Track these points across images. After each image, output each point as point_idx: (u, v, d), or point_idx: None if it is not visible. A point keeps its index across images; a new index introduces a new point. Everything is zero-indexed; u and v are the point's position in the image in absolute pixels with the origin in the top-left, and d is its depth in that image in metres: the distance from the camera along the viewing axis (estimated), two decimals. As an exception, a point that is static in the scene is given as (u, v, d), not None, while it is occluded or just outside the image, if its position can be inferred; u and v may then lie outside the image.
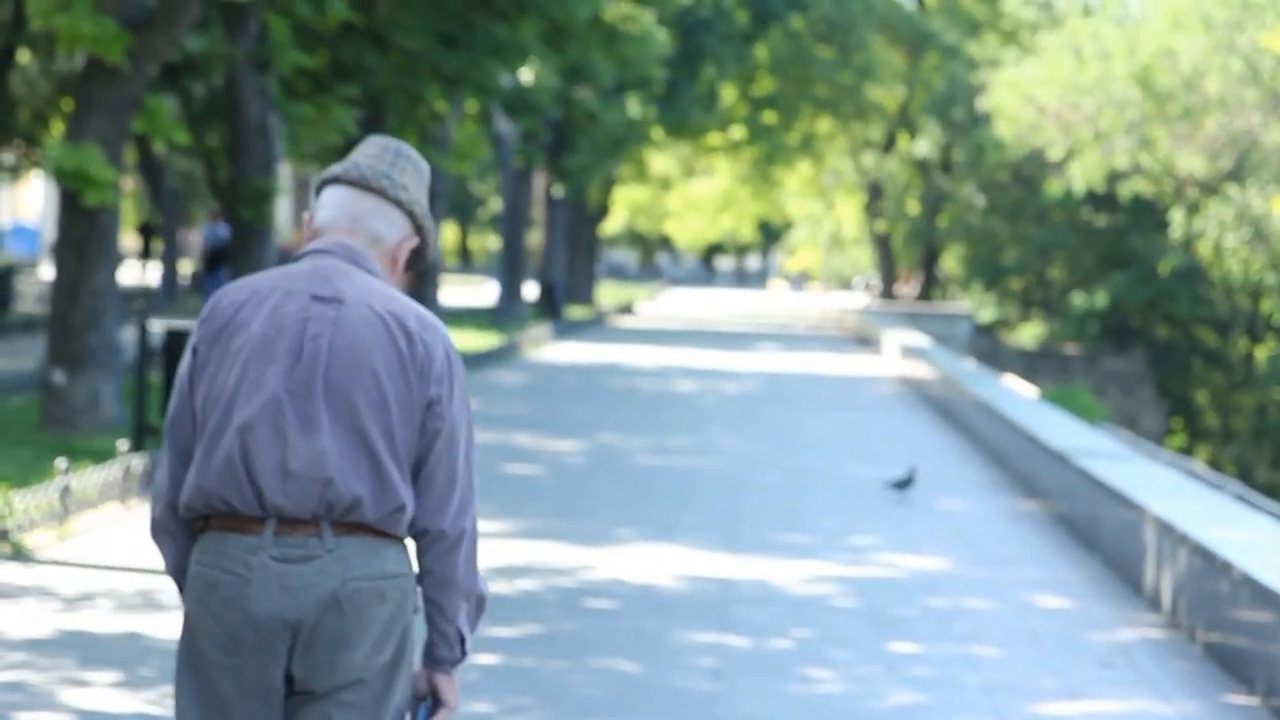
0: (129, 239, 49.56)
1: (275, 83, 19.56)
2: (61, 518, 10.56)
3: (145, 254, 47.94)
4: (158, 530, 3.54)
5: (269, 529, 3.39)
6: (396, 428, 3.42)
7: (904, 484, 13.51)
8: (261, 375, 3.41)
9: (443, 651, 3.53)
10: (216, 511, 3.42)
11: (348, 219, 3.54)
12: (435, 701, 3.55)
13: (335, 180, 3.57)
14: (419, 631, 3.56)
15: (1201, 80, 41.13)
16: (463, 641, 3.53)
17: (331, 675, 3.39)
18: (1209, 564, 8.45)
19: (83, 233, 14.74)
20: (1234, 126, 41.40)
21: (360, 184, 3.55)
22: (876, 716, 7.14)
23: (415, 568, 3.53)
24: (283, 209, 52.54)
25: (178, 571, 3.56)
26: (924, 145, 56.22)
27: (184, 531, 3.52)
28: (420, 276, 30.43)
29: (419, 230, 3.60)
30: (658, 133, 49.56)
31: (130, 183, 48.52)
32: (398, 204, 3.56)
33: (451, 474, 3.47)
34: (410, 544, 3.53)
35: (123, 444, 12.07)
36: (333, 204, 3.56)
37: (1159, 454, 20.85)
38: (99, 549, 10.07)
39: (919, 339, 31.91)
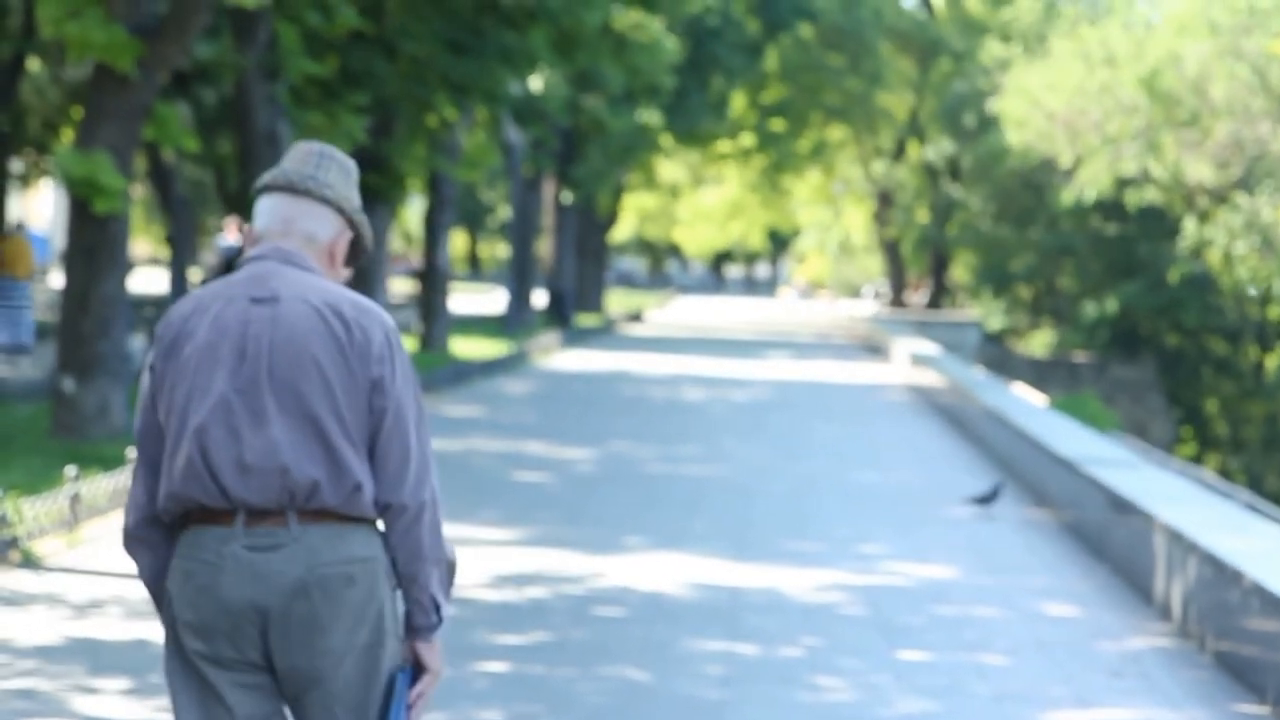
0: (159, 248, 49.67)
1: (285, 90, 19.58)
2: (71, 525, 10.57)
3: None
4: (130, 540, 3.72)
5: (239, 521, 3.57)
6: (345, 410, 3.59)
7: (988, 499, 13.18)
8: (210, 379, 3.60)
9: (420, 619, 3.68)
10: (190, 510, 3.61)
11: (280, 223, 3.74)
12: (417, 668, 3.69)
13: (266, 189, 3.77)
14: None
15: (1208, 86, 41.10)
16: (438, 608, 3.69)
17: (311, 659, 3.56)
18: (1219, 573, 8.44)
19: (92, 240, 14.76)
20: (1243, 134, 41.36)
21: (288, 188, 3.74)
22: (886, 725, 7.13)
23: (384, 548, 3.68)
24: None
25: (153, 580, 3.74)
26: (932, 151, 56.21)
27: (160, 539, 3.71)
28: (429, 284, 30.44)
29: (351, 224, 3.78)
30: (667, 140, 49.61)
31: (140, 190, 48.58)
32: (326, 202, 3.74)
33: (404, 448, 3.62)
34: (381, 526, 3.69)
35: (132, 451, 12.07)
36: (266, 211, 3.76)
37: (1169, 462, 20.82)
38: (108, 556, 10.08)
39: (928, 347, 31.89)
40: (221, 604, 3.55)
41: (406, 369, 3.67)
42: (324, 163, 3.77)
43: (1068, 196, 45.51)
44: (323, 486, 3.56)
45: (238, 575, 3.55)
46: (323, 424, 3.58)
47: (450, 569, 3.72)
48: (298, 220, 3.74)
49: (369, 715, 3.61)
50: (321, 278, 3.71)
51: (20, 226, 17.81)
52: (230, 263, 25.66)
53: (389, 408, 3.62)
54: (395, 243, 70.33)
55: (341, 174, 3.78)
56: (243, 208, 19.84)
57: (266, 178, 3.76)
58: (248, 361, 3.60)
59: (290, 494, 3.56)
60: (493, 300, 52.97)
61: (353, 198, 3.79)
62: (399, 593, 3.70)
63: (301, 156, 3.77)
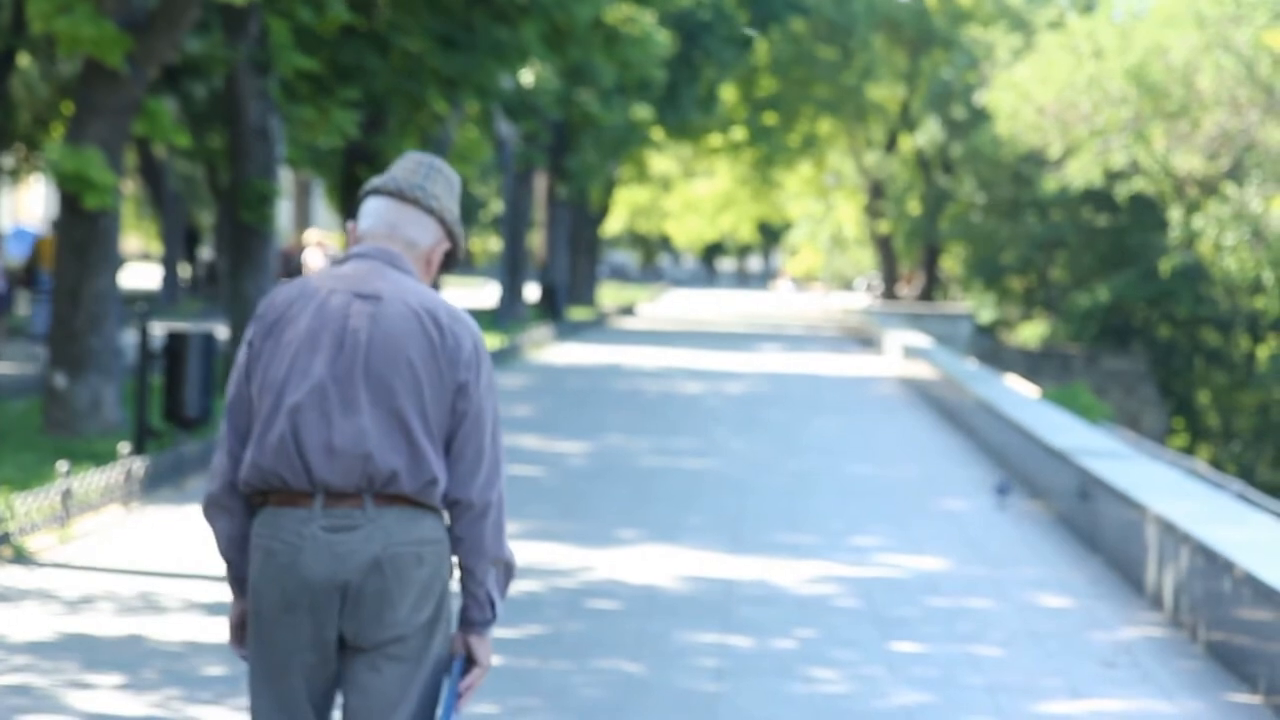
0: (151, 244, 49.85)
1: (276, 85, 19.55)
2: (63, 520, 10.57)
3: (190, 258, 48.15)
4: (212, 506, 3.94)
5: (318, 502, 3.80)
6: (429, 409, 3.83)
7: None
8: (309, 364, 3.83)
9: (474, 614, 3.92)
10: (272, 487, 3.83)
11: (386, 226, 3.98)
12: (468, 660, 3.92)
13: (375, 191, 4.00)
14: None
15: (1196, 77, 41.12)
16: (493, 604, 3.92)
17: (378, 630, 3.80)
18: (1211, 563, 8.45)
19: (83, 236, 14.75)
20: (1231, 125, 41.40)
21: (397, 195, 3.98)
22: (879, 716, 7.14)
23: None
24: (284, 212, 52.57)
25: (229, 547, 3.95)
26: (923, 139, 56.19)
27: (240, 508, 3.92)
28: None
29: (450, 235, 4.04)
30: (658, 134, 49.58)
31: (131, 186, 48.52)
32: (430, 212, 3.99)
33: (479, 450, 3.88)
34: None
35: (124, 447, 12.07)
36: (373, 213, 4.00)
37: (1161, 453, 20.84)
38: (101, 552, 10.07)
39: (920, 339, 31.92)
40: (303, 581, 3.78)
41: (490, 377, 3.92)
42: (432, 174, 3.99)
43: (1052, 184, 45.54)
44: (401, 475, 3.79)
45: (317, 554, 3.78)
46: (408, 418, 3.81)
47: (508, 570, 3.94)
48: (402, 225, 3.97)
49: (415, 683, 3.83)
50: (418, 281, 3.94)
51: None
52: (295, 272, 25.65)
53: (470, 411, 3.86)
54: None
55: (446, 187, 4.01)
56: (235, 203, 19.79)
57: (376, 182, 3.99)
58: (345, 352, 3.83)
59: (370, 479, 3.79)
60: (485, 294, 52.95)
61: (454, 209, 4.02)
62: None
63: (412, 166, 3.99)
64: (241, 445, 3.89)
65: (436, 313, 3.87)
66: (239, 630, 4.02)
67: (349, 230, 4.03)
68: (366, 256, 3.94)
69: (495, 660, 7.71)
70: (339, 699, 3.91)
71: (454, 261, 4.10)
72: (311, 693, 3.85)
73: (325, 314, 3.85)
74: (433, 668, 3.87)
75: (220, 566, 4.08)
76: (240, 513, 3.92)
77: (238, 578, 3.97)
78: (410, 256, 3.97)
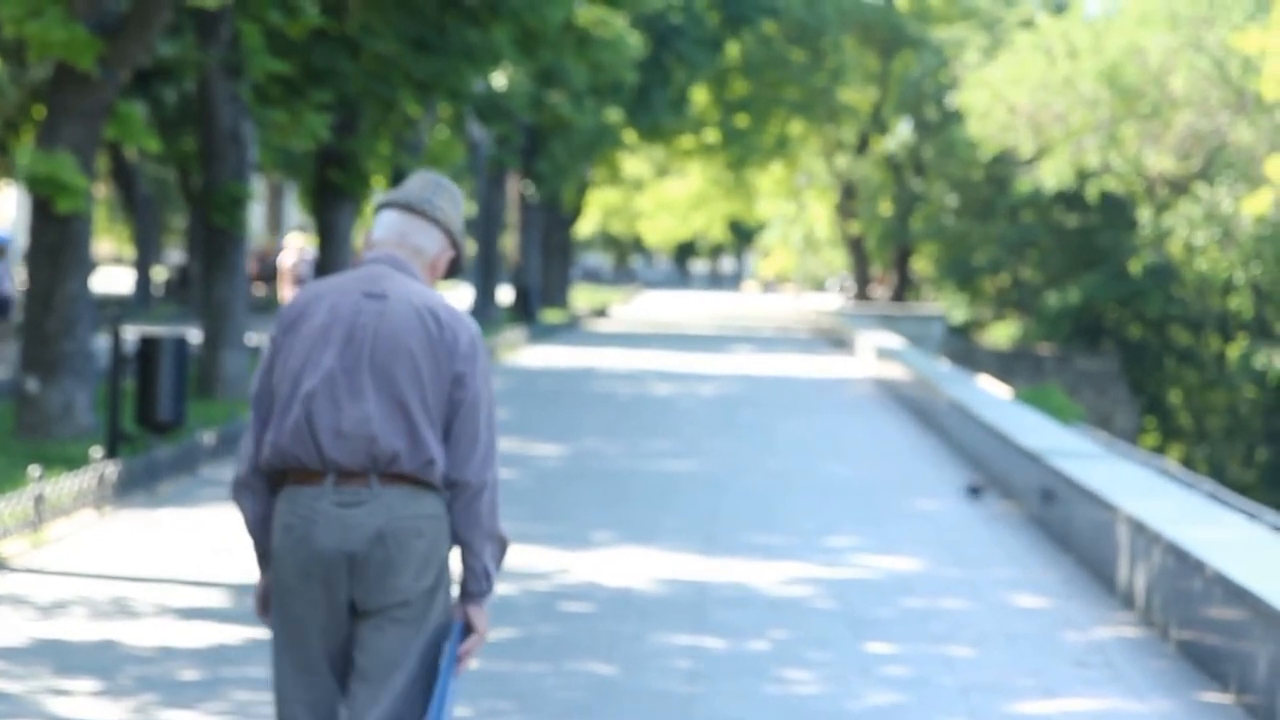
0: (123, 247, 49.45)
1: (248, 88, 19.52)
2: (36, 525, 10.54)
3: (260, 269, 46.91)
4: (240, 487, 4.40)
5: (329, 480, 4.27)
6: (429, 396, 4.29)
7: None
8: (321, 355, 4.31)
9: (472, 585, 4.37)
10: (289, 467, 4.31)
11: (396, 235, 4.47)
12: (466, 628, 4.37)
13: (388, 205, 4.49)
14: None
15: (1168, 78, 41.27)
16: (488, 576, 4.37)
17: (382, 595, 4.26)
18: (1182, 562, 8.50)
19: (56, 240, 14.70)
20: (1202, 126, 41.54)
21: (407, 207, 4.48)
22: (853, 717, 7.17)
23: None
24: (256, 215, 52.40)
25: (255, 525, 4.41)
26: (894, 143, 56.28)
27: (264, 488, 4.38)
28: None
29: (454, 244, 4.52)
30: (630, 136, 49.57)
31: (103, 190, 48.36)
32: (436, 223, 4.48)
33: (474, 434, 4.33)
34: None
35: (96, 451, 12.04)
36: (385, 224, 4.49)
37: (1132, 453, 20.92)
38: (73, 556, 10.05)
39: (893, 340, 31.98)
40: (316, 551, 4.25)
41: (485, 369, 4.38)
42: (439, 190, 4.49)
43: (1025, 185, 45.66)
44: (402, 456, 4.25)
45: (328, 527, 4.25)
46: (408, 405, 4.27)
47: (502, 545, 4.39)
48: (411, 235, 4.46)
49: (416, 644, 4.28)
50: (423, 284, 4.42)
51: None
52: (270, 274, 25.54)
53: (466, 399, 4.31)
54: (359, 239, 70.15)
55: (452, 202, 4.51)
56: (207, 206, 19.75)
57: (388, 196, 4.48)
58: (353, 345, 4.30)
59: (374, 459, 4.25)
60: (458, 296, 52.91)
61: (458, 221, 4.50)
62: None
63: (421, 183, 4.50)
64: (265, 432, 4.34)
65: (436, 310, 4.33)
66: (264, 601, 4.46)
67: (365, 238, 4.49)
68: (377, 261, 4.42)
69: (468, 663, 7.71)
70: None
71: (457, 268, 4.52)
72: (329, 653, 4.30)
73: (337, 311, 4.32)
74: (433, 632, 4.31)
75: (246, 543, 4.49)
76: (264, 492, 4.37)
77: (263, 553, 4.42)
78: (417, 262, 4.44)
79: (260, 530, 4.41)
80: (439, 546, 4.31)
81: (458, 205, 4.51)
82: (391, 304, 4.33)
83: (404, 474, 4.26)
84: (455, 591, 4.41)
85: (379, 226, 4.49)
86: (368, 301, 4.34)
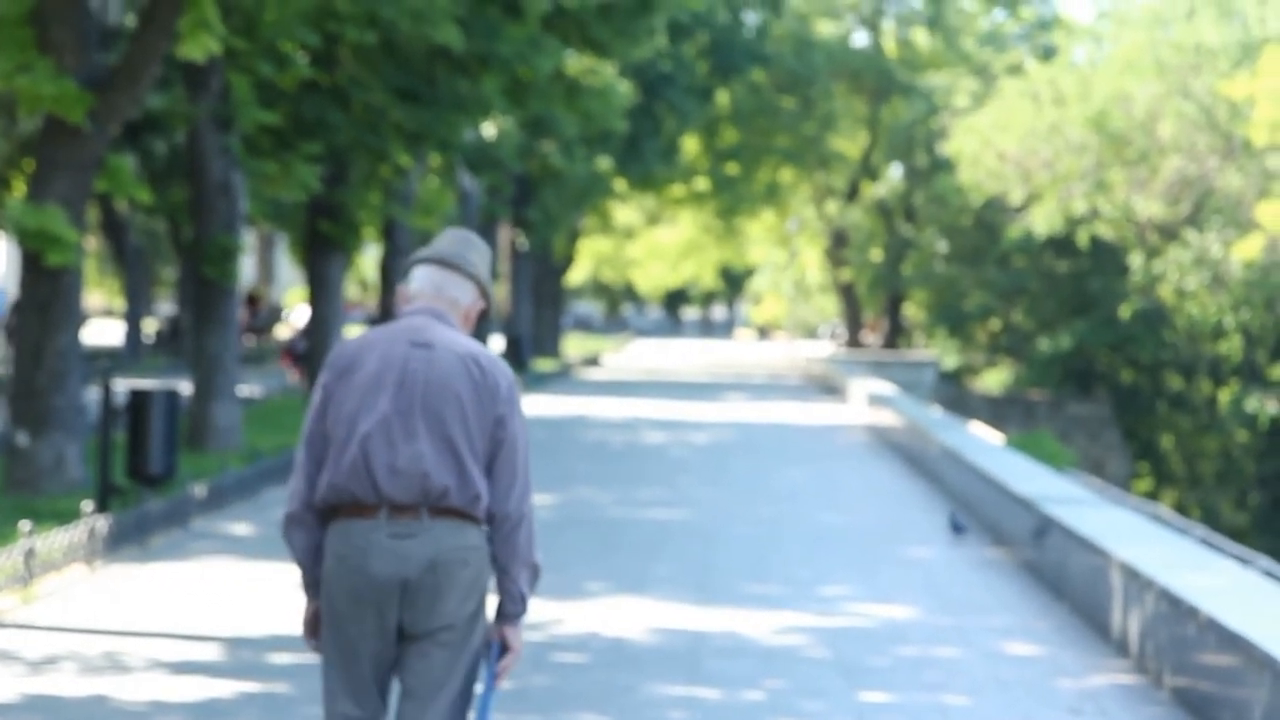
0: (114, 300, 49.18)
1: (237, 140, 19.55)
2: (26, 580, 10.49)
3: (252, 319, 46.50)
4: (291, 522, 4.76)
5: (383, 514, 4.64)
6: (474, 436, 4.69)
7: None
8: (376, 399, 4.69)
9: (509, 607, 4.77)
10: (343, 503, 4.66)
11: (433, 288, 4.88)
12: (503, 646, 4.75)
13: (423, 261, 4.88)
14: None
15: (1156, 124, 41.43)
16: (524, 599, 4.76)
17: (430, 620, 4.64)
18: (1175, 609, 8.47)
19: (46, 293, 14.70)
20: (1190, 171, 41.68)
21: (441, 263, 4.89)
22: (848, 767, 7.12)
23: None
24: (247, 266, 52.33)
25: (305, 556, 4.76)
26: (884, 189, 56.42)
27: (315, 523, 4.73)
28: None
29: (484, 295, 4.91)
30: (621, 185, 49.66)
31: (93, 242, 48.39)
32: (470, 277, 4.89)
33: (513, 471, 4.74)
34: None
35: (87, 505, 12.01)
36: (422, 278, 4.89)
37: (1125, 499, 20.90)
38: (64, 612, 10.00)
39: (885, 387, 31.98)
40: (371, 579, 4.62)
41: (521, 411, 4.78)
42: (470, 246, 4.90)
43: (1015, 231, 45.75)
44: (452, 491, 4.65)
45: (383, 557, 4.62)
46: (457, 444, 4.67)
47: (535, 572, 4.77)
48: (446, 288, 4.87)
49: (459, 665, 4.65)
50: (460, 333, 4.82)
51: None
52: (261, 326, 25.30)
53: (506, 439, 4.72)
54: (351, 289, 70.15)
55: (481, 256, 4.92)
56: (197, 258, 19.75)
57: (423, 253, 4.88)
58: (406, 390, 4.69)
59: (426, 494, 4.64)
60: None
61: (487, 274, 4.91)
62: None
63: (452, 239, 4.91)
64: (318, 471, 4.71)
65: (478, 358, 4.75)
66: (311, 625, 4.82)
67: (400, 292, 4.87)
68: (419, 313, 4.81)
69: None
70: (395, 684, 4.70)
71: (486, 317, 4.86)
72: (376, 674, 4.66)
73: (388, 359, 4.71)
74: (473, 654, 4.70)
75: (295, 573, 4.84)
76: (315, 526, 4.74)
77: (312, 582, 4.77)
78: (453, 313, 4.84)
79: (311, 561, 4.75)
80: (481, 575, 4.69)
81: (486, 259, 4.92)
82: (438, 352, 4.72)
83: (453, 508, 4.64)
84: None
85: (415, 280, 4.87)
86: (416, 350, 4.72)
